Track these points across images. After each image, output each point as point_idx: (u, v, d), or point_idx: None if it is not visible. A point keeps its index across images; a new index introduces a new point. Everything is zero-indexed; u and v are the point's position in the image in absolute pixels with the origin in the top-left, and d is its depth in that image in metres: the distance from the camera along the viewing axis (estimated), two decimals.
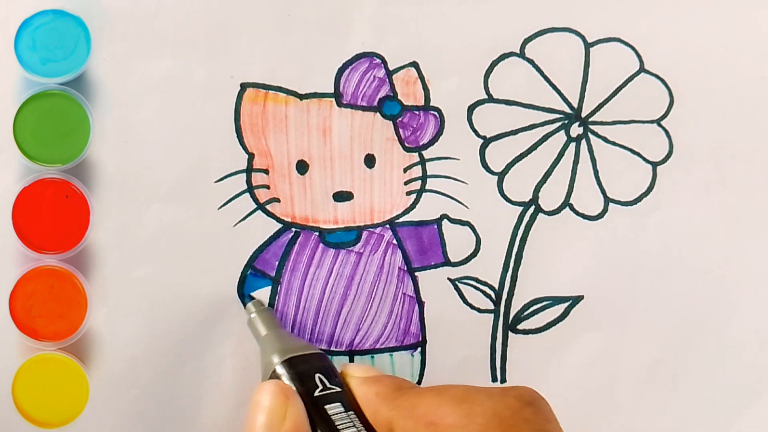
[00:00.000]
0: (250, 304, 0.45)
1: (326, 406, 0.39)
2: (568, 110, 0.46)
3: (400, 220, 0.46)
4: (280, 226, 0.46)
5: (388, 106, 0.46)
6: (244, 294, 0.45)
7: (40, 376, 0.45)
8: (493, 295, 0.46)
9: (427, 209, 0.46)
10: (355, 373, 0.41)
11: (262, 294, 0.46)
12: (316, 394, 0.39)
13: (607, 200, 0.46)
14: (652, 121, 0.46)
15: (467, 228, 0.46)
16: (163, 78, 0.45)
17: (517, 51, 0.46)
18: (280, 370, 0.41)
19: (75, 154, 0.44)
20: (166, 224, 0.45)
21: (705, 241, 0.46)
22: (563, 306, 0.46)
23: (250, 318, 0.45)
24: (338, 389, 0.40)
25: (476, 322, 0.46)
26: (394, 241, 0.46)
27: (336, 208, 0.46)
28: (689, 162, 0.46)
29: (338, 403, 0.39)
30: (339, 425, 0.38)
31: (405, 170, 0.46)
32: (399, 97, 0.46)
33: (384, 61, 0.46)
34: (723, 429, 0.47)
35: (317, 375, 0.40)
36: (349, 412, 0.39)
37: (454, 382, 0.45)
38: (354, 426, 0.38)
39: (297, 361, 0.41)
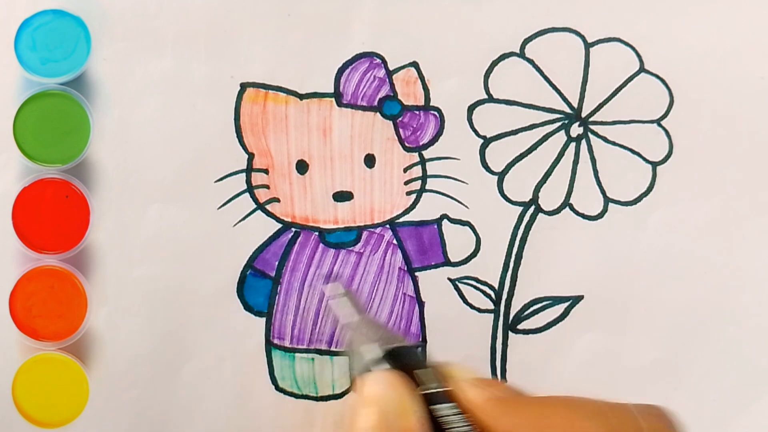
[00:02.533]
0: (332, 286, 0.44)
1: (438, 405, 0.36)
2: (568, 110, 0.46)
3: (401, 220, 0.46)
4: (280, 226, 0.46)
5: (388, 106, 0.46)
6: (243, 294, 0.45)
7: (40, 376, 0.45)
8: (493, 295, 0.46)
9: (427, 209, 0.46)
10: (460, 374, 0.38)
11: (262, 293, 0.46)
12: (428, 391, 0.36)
13: (607, 200, 0.46)
14: (652, 121, 0.46)
15: (467, 228, 0.46)
16: (163, 78, 0.45)
17: (517, 51, 0.46)
18: (381, 362, 0.37)
19: (75, 154, 0.44)
20: (166, 224, 0.45)
21: (705, 241, 0.46)
22: (563, 306, 0.46)
23: (334, 302, 0.43)
24: (446, 388, 0.37)
25: (476, 322, 0.46)
26: (395, 241, 0.46)
27: (336, 208, 0.46)
28: (689, 162, 0.46)
29: (449, 404, 0.36)
30: (454, 427, 0.36)
31: (405, 170, 0.46)
32: (399, 97, 0.46)
33: (384, 61, 0.46)
34: (723, 429, 0.47)
35: (423, 370, 0.37)
36: (461, 415, 0.36)
37: None
38: (468, 427, 0.36)
39: (403, 352, 0.38)
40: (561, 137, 0.46)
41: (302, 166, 0.46)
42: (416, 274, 0.46)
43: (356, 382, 0.37)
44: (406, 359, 0.37)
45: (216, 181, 0.45)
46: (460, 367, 0.38)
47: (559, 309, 0.46)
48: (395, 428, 0.35)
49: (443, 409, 0.36)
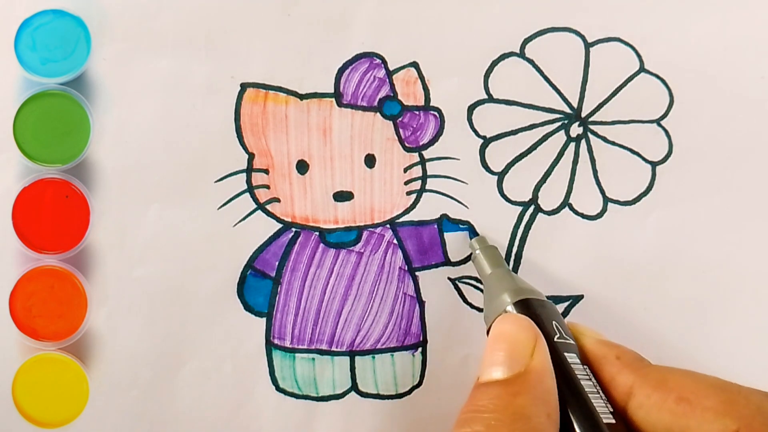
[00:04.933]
0: (473, 241, 0.45)
1: (565, 354, 0.38)
2: (568, 110, 0.46)
3: (401, 219, 0.46)
4: (280, 226, 0.46)
5: (388, 106, 0.46)
6: (244, 294, 0.45)
7: (40, 376, 0.45)
8: None
9: (427, 209, 0.46)
10: (587, 332, 0.40)
11: (262, 293, 0.46)
12: (556, 339, 0.38)
13: (607, 200, 0.46)
14: (651, 121, 0.46)
15: (467, 228, 0.46)
16: (163, 78, 0.45)
17: (517, 51, 0.46)
18: (513, 310, 0.39)
19: (75, 154, 0.44)
20: (166, 224, 0.45)
21: (704, 240, 0.46)
22: (563, 306, 0.46)
23: (474, 254, 0.44)
24: (573, 341, 0.39)
25: (476, 322, 0.46)
26: (395, 241, 0.46)
27: (336, 208, 0.46)
28: (689, 162, 0.46)
29: (574, 354, 0.38)
30: (578, 375, 0.37)
31: (405, 170, 0.46)
32: (399, 97, 0.46)
33: (384, 61, 0.46)
34: None
35: (553, 322, 0.39)
36: (585, 366, 0.38)
37: (456, 382, 0.45)
38: (591, 380, 0.38)
39: (533, 303, 0.40)
40: (561, 137, 0.46)
41: (302, 166, 0.46)
42: (416, 273, 0.46)
43: (491, 325, 0.39)
44: (539, 310, 0.39)
45: (216, 181, 0.45)
46: (587, 327, 0.40)
47: (559, 309, 0.46)
48: (523, 365, 0.36)
49: (569, 357, 0.38)
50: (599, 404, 0.37)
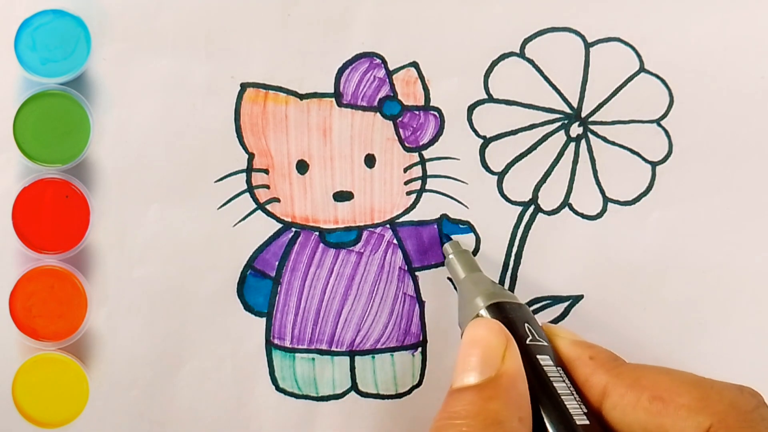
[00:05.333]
0: (447, 245, 0.45)
1: (538, 356, 0.38)
2: (568, 110, 0.46)
3: (401, 219, 0.46)
4: (280, 226, 0.46)
5: (388, 106, 0.46)
6: (243, 294, 0.45)
7: (40, 376, 0.45)
8: None
9: (427, 209, 0.46)
10: (561, 334, 0.40)
11: (262, 293, 0.46)
12: (528, 342, 0.38)
13: (607, 200, 0.46)
14: (651, 121, 0.46)
15: (467, 228, 0.46)
16: (163, 78, 0.45)
17: (517, 51, 0.46)
18: (486, 314, 0.40)
19: (75, 154, 0.44)
20: (166, 224, 0.45)
21: (704, 240, 0.46)
22: (563, 305, 0.46)
23: (448, 259, 0.44)
24: (546, 343, 0.39)
25: None
26: (395, 241, 0.46)
27: (336, 208, 0.46)
28: (689, 162, 0.46)
29: (547, 356, 0.38)
30: (551, 377, 0.37)
31: (405, 170, 0.46)
32: (399, 97, 0.46)
33: (384, 61, 0.46)
34: None
35: (525, 324, 0.39)
36: (558, 368, 0.38)
37: None
38: (564, 382, 0.38)
39: (505, 307, 0.40)
40: (561, 137, 0.46)
41: (302, 166, 0.46)
42: (417, 273, 0.46)
43: (464, 330, 0.39)
44: (511, 313, 0.39)
45: (216, 181, 0.45)
46: (561, 328, 0.40)
47: (559, 308, 0.46)
48: (494, 369, 0.36)
49: (542, 359, 0.38)
50: (572, 405, 0.37)
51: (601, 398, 0.37)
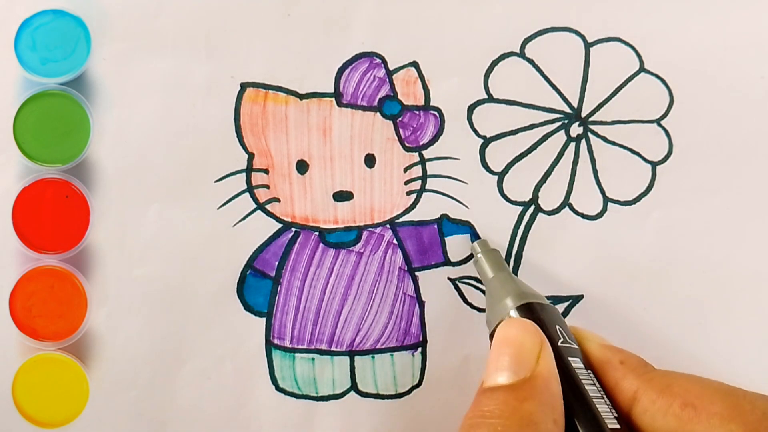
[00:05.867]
0: (476, 244, 0.45)
1: (569, 358, 0.38)
2: (568, 110, 0.46)
3: (401, 219, 0.46)
4: (280, 225, 0.46)
5: (388, 106, 0.46)
6: (243, 294, 0.45)
7: (40, 376, 0.45)
8: None
9: (427, 209, 0.46)
10: (590, 337, 0.40)
11: (262, 293, 0.46)
12: (560, 344, 0.38)
13: (607, 200, 0.46)
14: (651, 121, 0.46)
15: (467, 228, 0.46)
16: (163, 78, 0.45)
17: (517, 51, 0.46)
18: (516, 314, 0.39)
19: (75, 154, 0.45)
20: (166, 224, 0.45)
21: (704, 240, 0.46)
22: (563, 306, 0.46)
23: (476, 258, 0.44)
24: (576, 346, 0.39)
25: (476, 322, 0.46)
26: (395, 241, 0.46)
27: (336, 208, 0.46)
28: (689, 162, 0.46)
29: (578, 359, 0.38)
30: (583, 380, 0.37)
31: (405, 170, 0.46)
32: (399, 97, 0.46)
33: (384, 61, 0.46)
34: None
35: (557, 326, 0.39)
36: (589, 371, 0.38)
37: (456, 382, 0.45)
38: (595, 385, 0.38)
39: (536, 307, 0.40)
40: (561, 137, 0.46)
41: (302, 166, 0.46)
42: (416, 273, 0.46)
43: (495, 330, 0.39)
44: (542, 314, 0.39)
45: (216, 181, 0.45)
46: (590, 332, 0.40)
47: (560, 308, 0.46)
48: (529, 370, 0.36)
49: (573, 362, 0.38)
50: (604, 409, 0.37)
51: (631, 403, 0.37)
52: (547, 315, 0.40)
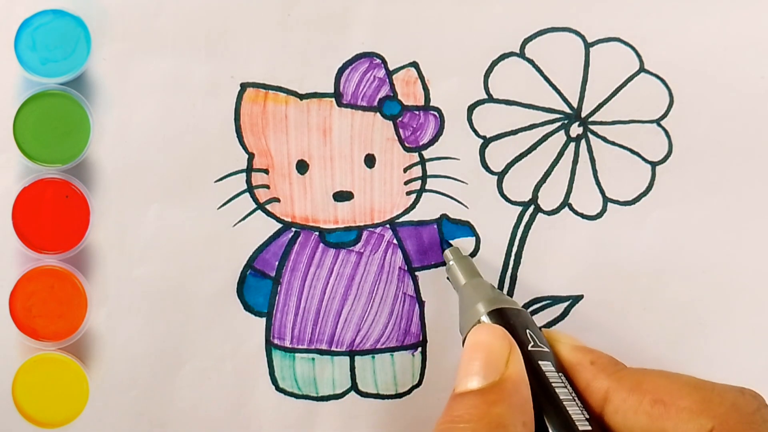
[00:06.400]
0: (447, 252, 0.45)
1: (539, 362, 0.38)
2: (567, 110, 0.46)
3: (401, 219, 0.46)
4: (280, 226, 0.46)
5: (388, 106, 0.46)
6: (243, 294, 0.45)
7: (40, 376, 0.45)
8: None
9: (427, 209, 0.46)
10: (562, 339, 0.40)
11: (262, 293, 0.46)
12: (530, 348, 0.38)
13: (606, 200, 0.46)
14: (651, 121, 0.46)
15: (467, 228, 0.46)
16: (163, 78, 0.45)
17: (517, 51, 0.46)
18: (488, 320, 0.40)
19: (75, 154, 0.44)
20: (166, 224, 0.45)
21: (704, 240, 0.46)
22: (563, 306, 0.46)
23: (449, 265, 0.44)
24: (547, 349, 0.39)
25: None
26: (395, 241, 0.46)
27: (336, 208, 0.46)
28: (689, 162, 0.46)
29: (549, 362, 0.38)
30: (553, 383, 0.37)
31: (405, 170, 0.46)
32: (399, 97, 0.46)
33: (384, 61, 0.46)
34: None
35: (527, 330, 0.39)
36: (560, 373, 0.38)
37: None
38: (566, 387, 0.38)
39: (506, 312, 0.40)
40: (561, 137, 0.46)
41: (302, 166, 0.46)
42: (416, 273, 0.46)
43: (466, 335, 0.39)
44: (512, 319, 0.39)
45: (216, 181, 0.45)
46: (562, 333, 0.41)
47: (559, 309, 0.46)
48: (498, 374, 0.36)
49: (544, 365, 0.38)
50: (575, 411, 0.37)
51: (603, 403, 0.37)
52: (518, 320, 0.40)
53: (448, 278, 0.46)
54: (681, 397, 0.36)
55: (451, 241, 0.46)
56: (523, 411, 0.36)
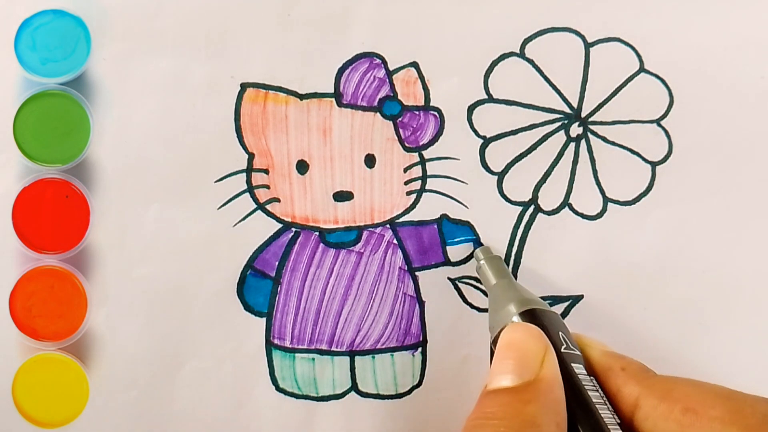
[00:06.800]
0: (478, 251, 0.45)
1: (572, 364, 0.38)
2: (567, 110, 0.46)
3: (401, 219, 0.46)
4: (280, 226, 0.46)
5: (388, 106, 0.46)
6: (243, 294, 0.45)
7: (40, 376, 0.45)
8: None
9: (427, 209, 0.46)
10: (592, 344, 0.40)
11: (262, 293, 0.46)
12: (563, 350, 0.38)
13: (607, 200, 0.46)
14: (651, 121, 0.46)
15: (467, 228, 0.46)
16: (163, 78, 0.45)
17: (517, 51, 0.46)
18: (519, 320, 0.39)
19: (75, 154, 0.45)
20: (166, 224, 0.45)
21: (704, 240, 0.46)
22: (563, 306, 0.46)
23: (479, 265, 0.44)
24: (579, 352, 0.39)
25: (476, 322, 0.46)
26: (395, 241, 0.46)
27: (336, 208, 0.46)
28: (688, 162, 0.46)
29: (581, 365, 0.38)
30: (585, 386, 0.37)
31: (405, 170, 0.46)
32: (399, 97, 0.46)
33: (384, 61, 0.46)
34: None
35: (559, 332, 0.39)
36: (591, 377, 0.38)
37: (456, 382, 0.45)
38: (598, 391, 0.38)
39: (539, 313, 0.40)
40: (561, 137, 0.46)
41: (302, 166, 0.46)
42: (416, 273, 0.46)
43: (498, 336, 0.39)
44: (545, 320, 0.39)
45: (216, 181, 0.45)
46: (592, 338, 0.40)
47: (559, 309, 0.46)
48: (533, 373, 0.36)
49: (576, 368, 0.38)
50: (607, 415, 0.37)
51: (633, 409, 0.37)
52: (550, 321, 0.40)
53: (448, 278, 0.46)
54: (713, 406, 0.36)
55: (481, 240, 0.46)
56: (556, 412, 0.36)
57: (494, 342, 0.39)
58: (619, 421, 0.37)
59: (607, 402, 0.37)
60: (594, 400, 0.37)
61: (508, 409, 0.35)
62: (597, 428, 0.36)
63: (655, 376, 0.38)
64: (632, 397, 0.37)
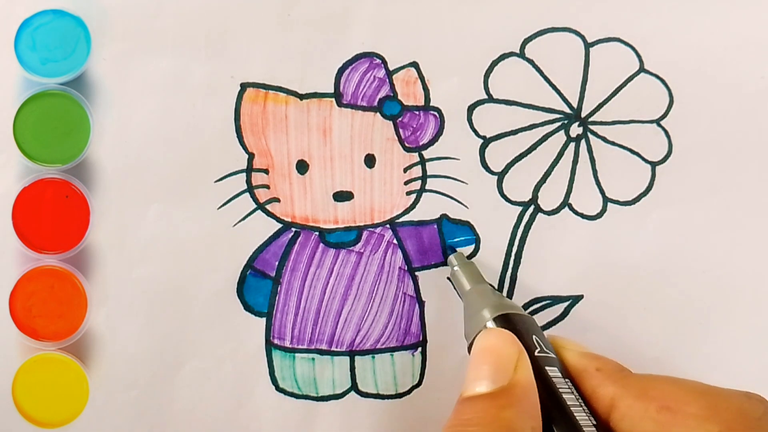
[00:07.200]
0: (452, 257, 0.45)
1: (547, 368, 0.38)
2: (567, 110, 0.46)
3: (401, 219, 0.46)
4: (280, 226, 0.46)
5: (388, 106, 0.46)
6: (243, 294, 0.45)
7: (40, 376, 0.45)
8: None
9: (427, 209, 0.46)
10: (567, 345, 0.40)
11: (262, 293, 0.46)
12: (537, 354, 0.38)
13: (607, 200, 0.46)
14: (651, 121, 0.46)
15: (467, 228, 0.46)
16: (163, 78, 0.45)
17: (517, 51, 0.46)
18: (494, 325, 0.40)
19: (75, 154, 0.45)
20: (166, 224, 0.45)
21: (704, 240, 0.46)
22: (563, 306, 0.46)
23: (452, 271, 0.45)
24: (554, 355, 0.39)
25: None
26: (395, 241, 0.46)
27: (336, 208, 0.46)
28: (688, 162, 0.46)
29: (555, 368, 0.38)
30: (560, 389, 0.37)
31: (405, 170, 0.46)
32: (399, 97, 0.46)
33: (384, 61, 0.46)
34: None
35: (533, 336, 0.39)
36: (566, 380, 0.38)
37: (455, 382, 0.45)
38: (573, 393, 0.38)
39: (513, 318, 0.40)
40: (560, 137, 0.46)
41: (302, 166, 0.46)
42: (416, 273, 0.46)
43: (473, 341, 0.39)
44: (519, 324, 0.39)
45: (216, 181, 0.45)
46: (567, 340, 0.40)
47: (559, 309, 0.46)
48: (507, 378, 0.36)
49: (551, 371, 0.38)
50: (582, 417, 0.37)
51: (609, 410, 0.37)
52: (524, 325, 0.40)
53: (448, 278, 0.46)
54: (687, 403, 0.36)
55: (454, 247, 0.46)
56: (532, 416, 0.36)
57: (470, 349, 0.39)
58: (595, 423, 0.37)
59: (582, 404, 0.37)
60: (569, 403, 0.37)
61: (485, 416, 0.35)
62: (573, 430, 0.36)
63: (630, 376, 0.38)
64: (608, 397, 0.37)
